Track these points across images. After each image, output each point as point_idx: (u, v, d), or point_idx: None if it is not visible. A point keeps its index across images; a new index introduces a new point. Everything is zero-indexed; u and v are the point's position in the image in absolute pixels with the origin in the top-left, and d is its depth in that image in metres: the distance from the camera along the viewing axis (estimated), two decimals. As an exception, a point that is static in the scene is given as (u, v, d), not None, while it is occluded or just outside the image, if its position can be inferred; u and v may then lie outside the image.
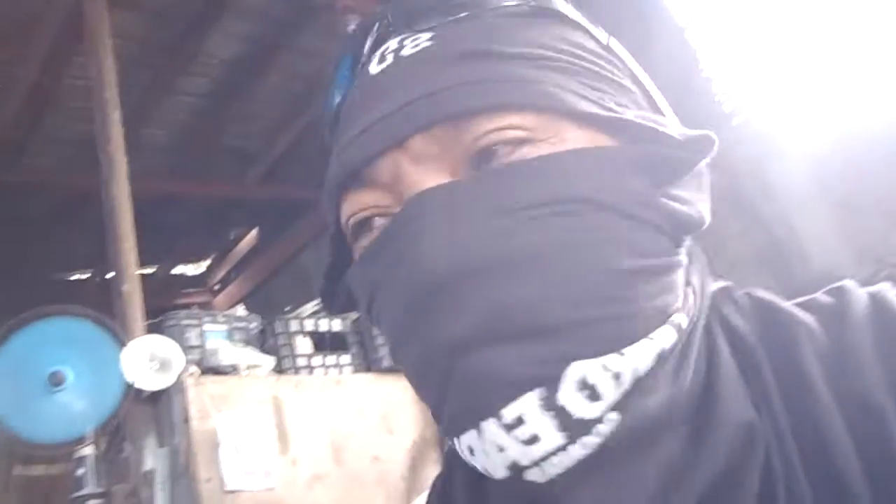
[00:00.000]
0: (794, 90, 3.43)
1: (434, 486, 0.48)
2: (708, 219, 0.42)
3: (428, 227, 0.35)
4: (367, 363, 3.31)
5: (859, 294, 0.41)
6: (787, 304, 0.43)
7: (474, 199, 0.36)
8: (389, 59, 0.41)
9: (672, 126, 0.42)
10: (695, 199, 0.41)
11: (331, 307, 0.48)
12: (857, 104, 3.22)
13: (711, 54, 3.67)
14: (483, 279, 0.34)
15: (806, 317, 0.41)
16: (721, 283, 0.44)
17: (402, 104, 0.38)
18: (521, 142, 0.38)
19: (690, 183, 0.41)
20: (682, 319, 0.37)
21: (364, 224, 0.41)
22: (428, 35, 0.41)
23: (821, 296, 0.43)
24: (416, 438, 3.05)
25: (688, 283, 0.40)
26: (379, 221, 0.40)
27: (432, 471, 2.99)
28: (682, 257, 0.40)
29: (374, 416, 3.01)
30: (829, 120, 3.30)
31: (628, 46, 0.46)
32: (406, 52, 0.41)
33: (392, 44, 0.42)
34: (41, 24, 3.73)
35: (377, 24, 0.44)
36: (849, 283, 0.43)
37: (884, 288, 0.41)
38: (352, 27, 0.48)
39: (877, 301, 0.40)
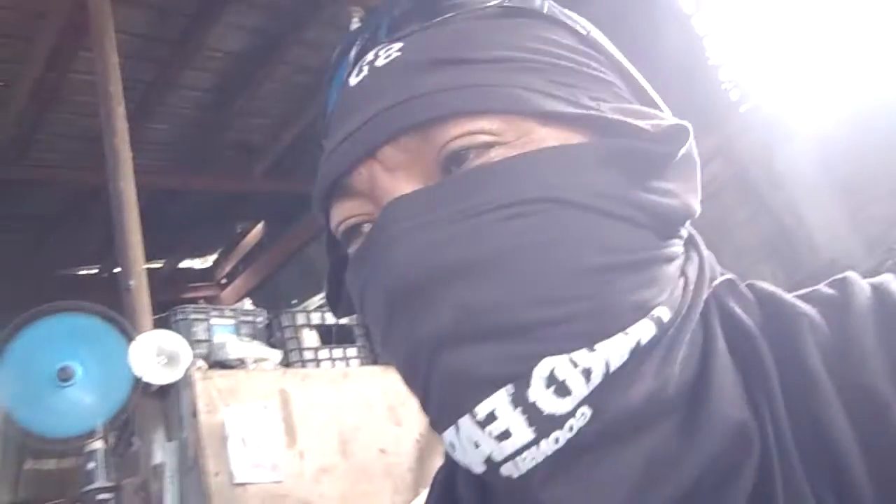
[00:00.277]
0: (799, 73, 3.40)
1: (436, 478, 0.49)
2: (697, 209, 0.41)
3: (397, 233, 0.37)
4: (373, 356, 3.32)
5: (862, 285, 0.41)
6: (790, 296, 0.42)
7: (440, 205, 0.37)
8: (365, 70, 0.43)
9: (654, 115, 0.42)
10: (679, 189, 0.40)
11: (336, 311, 0.50)
12: (859, 83, 3.19)
13: (719, 41, 3.64)
14: (451, 282, 0.35)
15: (808, 308, 0.41)
16: (725, 276, 0.43)
17: (371, 115, 0.39)
18: (488, 146, 0.38)
19: (673, 174, 0.40)
20: (663, 313, 0.37)
21: (353, 230, 0.43)
22: (399, 45, 0.42)
23: (823, 287, 0.43)
24: (423, 431, 3.06)
25: (682, 275, 0.40)
26: (367, 227, 0.41)
27: (439, 463, 2.98)
28: (674, 249, 0.40)
29: (381, 409, 3.02)
30: (832, 101, 3.27)
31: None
32: (379, 62, 0.42)
33: (370, 55, 0.43)
34: (45, 19, 3.73)
35: (362, 34, 0.46)
36: (851, 275, 0.42)
37: (887, 279, 0.41)
38: (355, 20, 0.48)
39: (879, 292, 0.40)
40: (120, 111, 3.26)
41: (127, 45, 3.83)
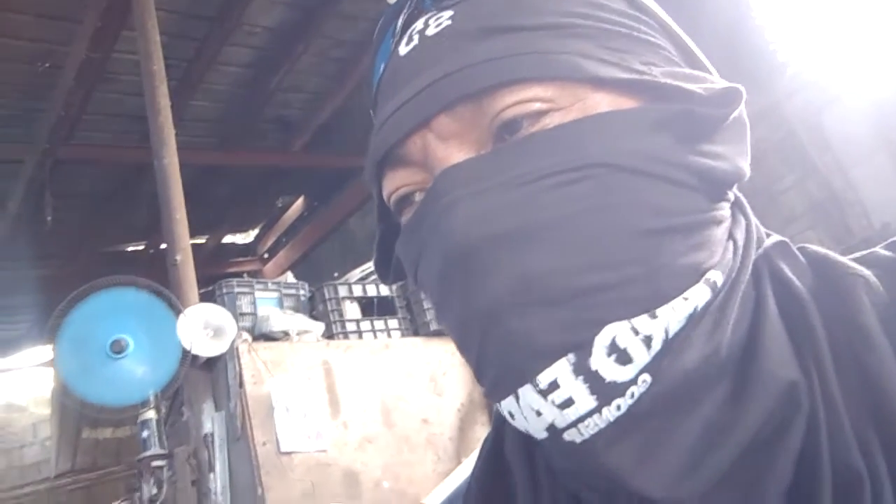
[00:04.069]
0: (849, 32, 3.26)
1: (484, 445, 0.49)
2: (747, 171, 0.41)
3: (453, 201, 0.37)
4: (414, 327, 3.35)
5: None
6: (844, 259, 0.42)
7: (496, 172, 0.37)
8: (416, 39, 0.43)
9: (704, 79, 0.41)
10: (730, 152, 0.40)
11: (384, 278, 0.50)
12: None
13: (765, 1, 3.51)
14: (508, 249, 0.35)
15: (863, 270, 0.40)
16: (777, 238, 0.43)
17: (425, 84, 0.40)
18: (542, 113, 0.38)
19: (724, 137, 0.40)
20: (717, 276, 0.36)
21: (405, 199, 0.43)
22: (449, 13, 0.42)
23: (880, 250, 0.42)
24: (464, 401, 3.09)
25: (730, 238, 0.39)
26: (419, 196, 0.42)
27: (480, 432, 3.03)
28: (722, 212, 0.40)
29: (422, 379, 3.06)
30: (884, 61, 3.13)
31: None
32: (430, 31, 0.42)
33: (419, 24, 0.43)
34: (89, 1, 3.80)
35: (409, 2, 0.46)
36: None
37: None
38: None
39: None
40: (163, 89, 3.32)
41: (167, 24, 3.87)
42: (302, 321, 3.04)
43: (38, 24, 3.95)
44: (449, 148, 0.39)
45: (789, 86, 3.44)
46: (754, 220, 0.42)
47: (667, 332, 0.34)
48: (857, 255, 0.42)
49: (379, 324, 3.27)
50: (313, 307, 3.29)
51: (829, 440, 0.35)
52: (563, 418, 0.34)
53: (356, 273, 3.56)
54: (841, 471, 0.34)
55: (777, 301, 0.39)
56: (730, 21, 3.33)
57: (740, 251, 0.39)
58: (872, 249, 0.43)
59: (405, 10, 0.46)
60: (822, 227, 3.36)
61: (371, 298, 3.32)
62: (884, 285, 0.39)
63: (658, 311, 0.34)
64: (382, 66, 0.46)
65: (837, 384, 0.36)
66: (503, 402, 0.36)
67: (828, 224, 3.35)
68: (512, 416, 0.36)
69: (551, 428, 0.35)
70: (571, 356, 0.34)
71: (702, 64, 0.44)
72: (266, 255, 7.35)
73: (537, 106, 0.38)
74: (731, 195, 0.41)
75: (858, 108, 3.22)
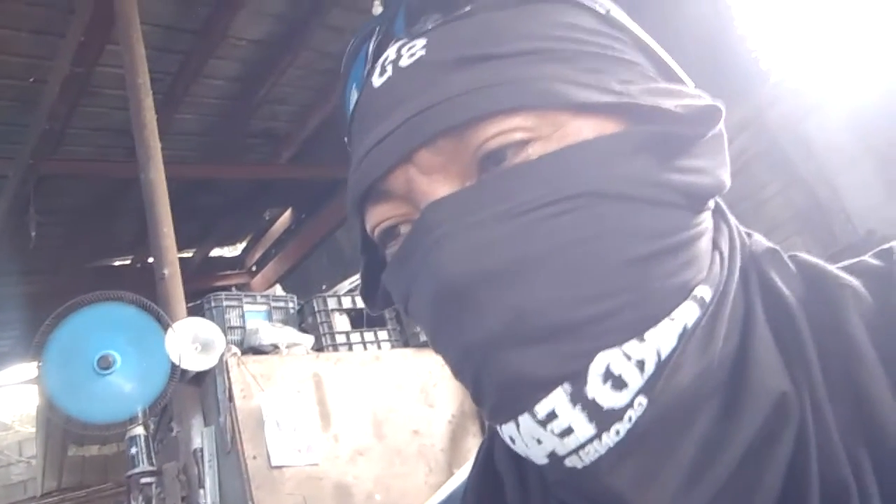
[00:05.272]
0: (831, 40, 3.31)
1: (478, 455, 0.49)
2: (728, 182, 0.41)
3: (443, 235, 0.37)
4: (404, 338, 3.34)
5: None
6: (833, 268, 0.42)
7: (484, 205, 0.37)
8: (389, 70, 0.42)
9: (682, 93, 0.41)
10: (710, 165, 0.40)
11: (373, 307, 0.50)
12: (893, 49, 3.09)
13: (747, 10, 3.56)
14: (500, 283, 0.35)
15: (852, 280, 0.40)
16: (768, 245, 0.43)
17: (404, 119, 0.39)
18: (525, 142, 0.38)
19: (704, 150, 0.40)
20: (705, 292, 0.37)
21: (390, 232, 0.43)
22: (423, 42, 0.42)
23: (869, 258, 0.43)
24: (455, 412, 3.08)
25: (715, 249, 0.39)
26: (404, 228, 0.41)
27: (472, 443, 3.02)
28: (704, 224, 0.40)
29: (413, 391, 3.05)
30: (866, 68, 3.17)
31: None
32: (403, 62, 0.41)
33: (391, 52, 0.43)
34: (73, 14, 3.78)
35: (378, 26, 0.45)
36: None
37: None
38: (377, 3, 0.48)
39: None
40: (148, 103, 3.30)
41: (152, 37, 3.86)
42: (291, 334, 3.02)
43: (21, 38, 3.93)
44: (433, 182, 0.39)
45: (771, 94, 3.47)
46: (734, 225, 0.43)
47: (659, 354, 0.34)
48: (847, 263, 0.43)
49: (369, 335, 3.26)
50: (302, 320, 3.27)
51: (817, 452, 0.35)
52: (564, 446, 0.34)
53: (345, 285, 3.55)
54: (829, 483, 0.34)
55: (766, 311, 0.39)
56: (711, 31, 3.37)
57: (727, 262, 0.39)
58: (862, 258, 0.43)
59: (374, 37, 0.45)
60: (807, 234, 3.39)
61: (360, 310, 3.31)
62: (872, 295, 0.39)
63: (646, 335, 0.35)
64: (356, 95, 0.45)
65: (827, 396, 0.36)
66: (504, 427, 0.36)
67: (813, 231, 3.38)
68: (513, 440, 0.36)
69: (552, 455, 0.35)
70: (567, 385, 0.34)
71: (676, 76, 0.44)
72: (254, 268, 7.31)
73: (519, 136, 0.38)
74: (711, 203, 0.41)
75: (840, 115, 3.26)
